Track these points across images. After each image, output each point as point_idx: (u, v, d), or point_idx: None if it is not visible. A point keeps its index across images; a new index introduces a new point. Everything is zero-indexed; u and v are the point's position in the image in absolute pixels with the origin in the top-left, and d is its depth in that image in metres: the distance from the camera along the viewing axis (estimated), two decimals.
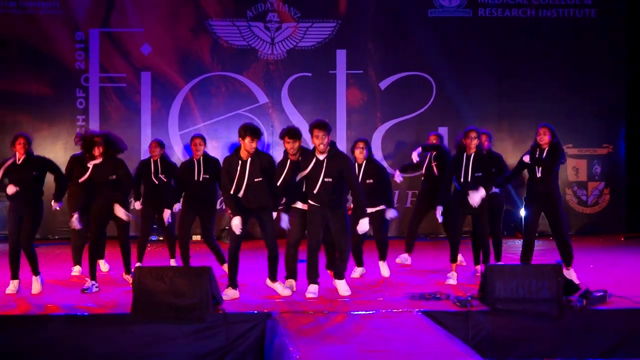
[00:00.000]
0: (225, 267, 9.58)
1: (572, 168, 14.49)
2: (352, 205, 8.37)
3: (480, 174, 8.89)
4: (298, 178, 8.12)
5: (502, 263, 9.17)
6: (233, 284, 8.13)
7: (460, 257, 9.66)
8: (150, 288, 7.30)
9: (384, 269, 9.51)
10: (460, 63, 14.43)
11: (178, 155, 14.02)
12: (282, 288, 8.24)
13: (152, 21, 14.14)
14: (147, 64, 14.08)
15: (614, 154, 14.59)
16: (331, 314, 7.37)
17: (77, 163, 9.73)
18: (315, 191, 8.03)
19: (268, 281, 8.31)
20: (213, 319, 7.30)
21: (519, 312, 7.41)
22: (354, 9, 14.32)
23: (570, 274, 8.76)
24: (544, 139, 8.94)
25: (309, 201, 8.12)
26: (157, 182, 9.96)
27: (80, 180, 8.80)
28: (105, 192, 8.62)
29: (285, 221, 8.29)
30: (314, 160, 8.04)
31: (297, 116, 14.14)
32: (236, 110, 14.18)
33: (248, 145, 7.95)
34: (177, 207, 9.75)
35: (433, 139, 10.50)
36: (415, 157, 10.35)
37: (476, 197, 8.77)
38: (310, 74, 14.28)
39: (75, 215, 8.66)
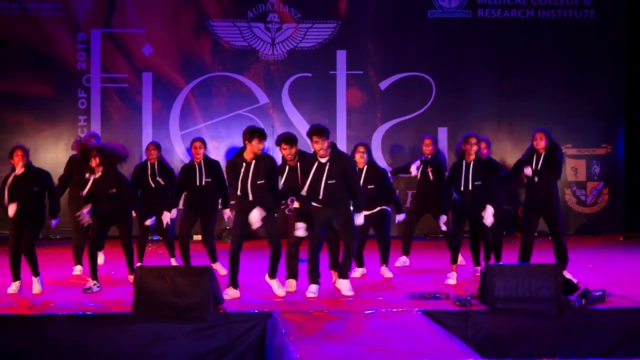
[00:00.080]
0: (217, 265, 9.63)
1: (571, 168, 14.51)
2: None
3: (480, 182, 8.91)
4: (305, 186, 8.10)
5: (502, 262, 9.19)
6: (234, 283, 8.16)
7: (460, 257, 9.70)
8: (151, 287, 7.33)
9: (386, 273, 9.51)
10: (460, 63, 14.44)
11: (179, 156, 14.06)
12: (277, 286, 8.27)
13: (153, 22, 14.15)
14: (148, 65, 14.09)
15: (613, 154, 14.61)
16: (331, 313, 7.39)
17: (76, 164, 9.76)
18: (319, 193, 8.06)
19: (267, 277, 8.34)
20: (214, 318, 7.32)
21: (519, 312, 7.44)
22: (354, 9, 14.33)
23: (566, 275, 8.79)
24: (540, 144, 8.95)
25: (312, 203, 8.15)
26: (154, 185, 9.99)
27: (82, 194, 8.86)
28: (106, 204, 8.65)
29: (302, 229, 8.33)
30: (316, 163, 8.08)
31: (297, 116, 14.17)
32: (237, 110, 14.20)
33: (256, 147, 7.98)
34: (175, 212, 9.69)
35: (427, 142, 10.49)
36: (414, 170, 10.37)
37: (489, 218, 8.81)
38: (310, 75, 14.29)
39: (86, 210, 8.65)
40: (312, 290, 8.16)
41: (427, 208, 10.37)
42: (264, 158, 8.04)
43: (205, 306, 7.27)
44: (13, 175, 8.50)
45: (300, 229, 8.19)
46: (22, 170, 8.50)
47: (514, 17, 14.46)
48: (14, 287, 8.47)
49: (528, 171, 8.93)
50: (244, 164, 8.01)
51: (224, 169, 9.58)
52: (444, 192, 9.34)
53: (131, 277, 8.89)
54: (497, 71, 14.55)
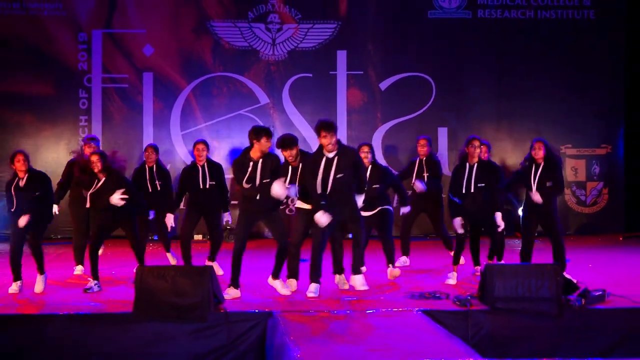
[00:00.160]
0: (213, 264, 9.61)
1: (571, 168, 14.52)
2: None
3: (483, 184, 8.94)
4: (318, 182, 8.09)
5: (502, 262, 9.21)
6: (235, 283, 8.17)
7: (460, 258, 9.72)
8: (152, 287, 7.33)
9: (394, 272, 9.41)
10: (460, 64, 14.46)
11: (180, 157, 14.08)
12: (281, 286, 8.28)
13: (154, 22, 14.17)
14: (149, 65, 14.11)
15: (613, 154, 14.62)
16: (332, 313, 7.40)
17: (75, 167, 9.77)
18: (326, 188, 8.06)
19: (270, 279, 8.36)
20: (214, 318, 7.33)
21: (519, 311, 7.45)
22: (354, 10, 14.35)
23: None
24: (539, 153, 8.94)
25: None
26: (151, 189, 10.01)
27: (87, 206, 8.91)
28: (109, 208, 8.66)
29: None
30: (324, 159, 8.08)
31: (297, 116, 14.18)
32: (237, 110, 14.21)
33: (264, 145, 8.01)
34: (171, 218, 9.66)
35: (423, 143, 10.51)
36: (419, 186, 10.32)
37: (501, 222, 8.87)
38: (311, 75, 14.31)
39: (118, 194, 8.61)
40: (313, 289, 8.17)
41: (423, 208, 10.41)
42: (270, 157, 8.07)
43: (206, 306, 7.28)
44: (17, 180, 8.53)
45: (324, 217, 8.07)
46: (25, 176, 8.52)
47: (514, 17, 14.47)
48: (14, 287, 8.48)
49: (537, 198, 8.86)
50: (252, 163, 8.03)
51: (225, 171, 9.68)
52: (451, 194, 9.31)
53: None
54: (497, 71, 14.56)
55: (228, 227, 12.48)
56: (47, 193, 8.66)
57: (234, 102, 14.22)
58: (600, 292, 7.78)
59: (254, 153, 8.03)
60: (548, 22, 14.49)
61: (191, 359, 7.30)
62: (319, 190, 8.07)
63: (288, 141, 8.36)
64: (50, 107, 13.99)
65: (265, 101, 14.26)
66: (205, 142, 9.69)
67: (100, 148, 10.18)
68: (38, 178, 8.61)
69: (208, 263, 9.55)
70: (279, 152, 8.44)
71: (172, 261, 10.42)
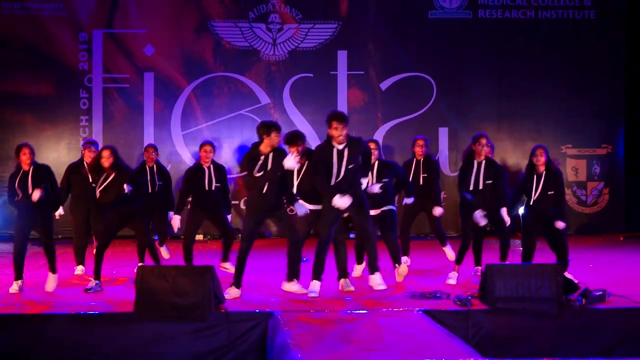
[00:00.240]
0: (226, 264, 9.59)
1: (572, 168, 14.53)
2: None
3: (490, 181, 8.95)
4: (333, 175, 8.07)
5: (502, 262, 9.21)
6: (237, 283, 8.18)
7: (450, 251, 9.74)
8: (153, 287, 7.34)
9: (402, 271, 9.19)
10: (461, 64, 14.47)
11: (181, 156, 14.09)
12: (299, 288, 8.25)
13: (155, 22, 14.17)
14: (150, 65, 14.11)
15: (613, 154, 14.63)
16: (333, 313, 7.41)
17: (74, 172, 9.79)
18: (337, 181, 8.06)
19: (286, 285, 8.32)
20: (215, 318, 7.34)
21: (519, 311, 7.46)
22: (355, 10, 14.35)
23: (567, 275, 8.83)
24: (541, 160, 8.92)
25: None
26: (151, 189, 10.01)
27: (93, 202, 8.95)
28: (118, 206, 8.67)
29: (300, 208, 8.33)
30: (334, 151, 8.08)
31: (298, 116, 14.19)
32: (238, 110, 14.22)
33: (274, 139, 8.05)
34: (178, 220, 9.64)
35: (421, 143, 10.50)
36: (438, 212, 10.35)
37: (507, 218, 8.89)
38: (311, 75, 14.32)
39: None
40: (314, 288, 8.17)
41: (422, 207, 10.42)
42: (279, 151, 8.09)
43: (206, 306, 7.29)
44: (22, 172, 8.55)
45: (344, 198, 7.95)
46: (30, 168, 8.55)
47: (515, 17, 14.48)
48: (15, 287, 8.49)
49: (561, 225, 8.87)
50: (262, 157, 8.04)
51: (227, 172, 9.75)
52: (461, 191, 9.29)
53: None
54: (498, 71, 14.57)
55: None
56: (54, 184, 8.70)
57: (235, 102, 14.23)
58: (601, 292, 7.79)
59: (264, 147, 8.06)
60: (548, 22, 14.50)
61: (191, 359, 7.30)
62: (332, 183, 8.05)
63: (295, 137, 8.38)
64: (50, 107, 14.00)
65: (266, 101, 14.27)
66: (212, 144, 9.67)
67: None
68: (43, 170, 8.66)
69: (222, 264, 9.50)
70: (285, 149, 8.44)
71: (165, 255, 10.44)
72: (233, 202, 13.15)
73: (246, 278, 8.51)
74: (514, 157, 14.34)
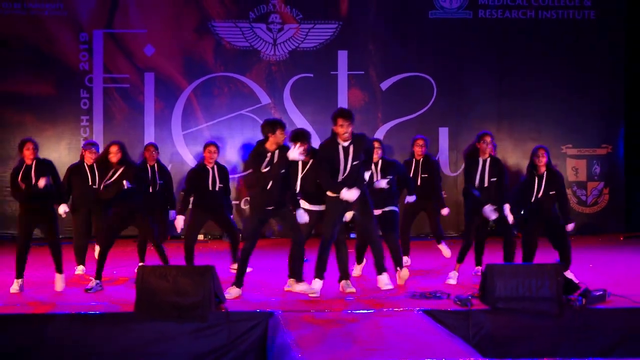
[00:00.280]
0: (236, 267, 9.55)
1: (572, 168, 14.54)
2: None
3: (495, 179, 8.97)
4: (340, 172, 8.07)
5: (503, 262, 9.21)
6: (239, 282, 8.18)
7: (447, 249, 9.75)
8: (153, 287, 7.35)
9: (404, 275, 9.13)
10: (461, 64, 14.48)
11: (181, 157, 14.10)
12: (307, 287, 8.23)
13: (155, 22, 14.18)
14: (151, 65, 14.12)
15: (613, 154, 14.64)
16: (333, 313, 7.42)
17: (74, 173, 9.80)
18: (342, 178, 8.04)
19: (295, 286, 8.29)
20: (215, 317, 7.34)
21: (519, 311, 7.47)
22: (355, 10, 14.36)
23: (569, 275, 8.84)
24: (542, 160, 8.95)
25: (328, 193, 8.14)
26: (152, 188, 10.01)
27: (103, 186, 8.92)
28: (124, 203, 8.66)
29: (301, 216, 8.34)
30: (340, 148, 8.08)
31: (299, 116, 14.20)
32: (239, 110, 14.23)
33: (279, 137, 8.06)
34: (182, 220, 9.63)
35: (421, 142, 10.51)
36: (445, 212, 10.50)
37: (510, 216, 8.89)
38: (312, 75, 14.33)
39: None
40: (316, 287, 8.17)
41: (422, 207, 10.43)
42: (285, 149, 8.10)
43: (207, 305, 7.29)
44: (24, 166, 8.57)
45: (352, 191, 8.03)
46: (32, 163, 8.57)
47: (515, 17, 14.49)
48: (16, 286, 8.49)
49: (571, 227, 9.05)
50: (269, 154, 8.05)
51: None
52: (469, 189, 9.29)
53: None
54: (498, 71, 14.58)
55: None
56: (56, 178, 8.73)
57: (235, 102, 14.24)
58: (601, 292, 7.79)
59: (270, 145, 8.07)
60: (549, 22, 14.51)
61: (192, 359, 7.31)
62: (339, 180, 8.05)
63: (301, 134, 8.39)
64: (51, 107, 14.00)
65: (267, 101, 14.27)
66: (216, 145, 9.71)
67: (100, 151, 10.19)
68: (45, 164, 8.67)
69: (233, 266, 9.46)
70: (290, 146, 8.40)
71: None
72: (234, 202, 13.17)
73: (247, 278, 8.52)
74: (514, 157, 14.34)
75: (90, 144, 10.07)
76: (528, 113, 14.45)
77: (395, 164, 9.56)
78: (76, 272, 9.76)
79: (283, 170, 8.05)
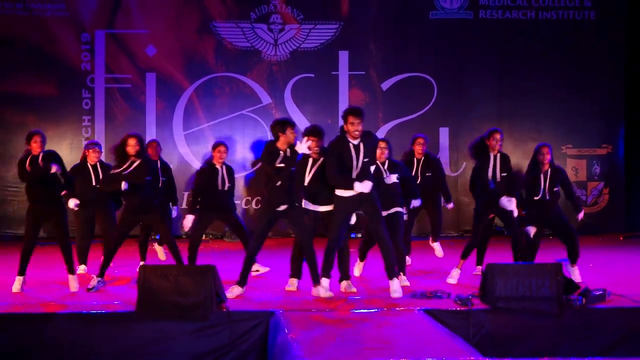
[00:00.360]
0: (256, 265, 9.48)
1: (572, 168, 14.55)
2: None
3: (505, 174, 9.01)
4: (354, 169, 8.05)
5: (503, 262, 9.22)
6: (242, 281, 8.19)
7: (439, 247, 9.78)
8: (155, 286, 7.36)
9: (405, 281, 9.04)
10: (461, 64, 14.49)
11: (182, 156, 14.11)
12: (324, 290, 8.17)
13: (157, 23, 14.19)
14: (152, 65, 14.14)
15: (613, 154, 14.65)
16: (334, 312, 7.43)
17: (77, 173, 9.81)
18: (354, 175, 8.03)
19: (314, 289, 8.23)
20: (216, 317, 7.34)
21: (519, 311, 7.48)
22: (356, 10, 14.38)
23: (574, 271, 8.89)
24: (547, 157, 9.00)
25: (337, 193, 8.14)
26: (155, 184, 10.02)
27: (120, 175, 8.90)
28: (139, 197, 8.66)
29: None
30: (351, 146, 8.07)
31: (300, 116, 14.20)
32: (240, 110, 14.24)
33: (290, 136, 8.10)
34: (176, 210, 9.62)
35: (421, 141, 10.52)
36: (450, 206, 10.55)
37: (514, 209, 8.93)
38: (313, 75, 14.34)
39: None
40: (326, 285, 8.14)
41: (423, 206, 10.44)
42: (294, 148, 8.12)
43: (208, 305, 7.30)
44: (31, 155, 8.60)
45: (364, 183, 8.02)
46: (39, 153, 8.60)
47: (515, 18, 14.51)
48: (17, 285, 8.49)
49: (581, 215, 9.29)
50: (281, 153, 8.08)
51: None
52: (475, 186, 9.31)
53: None
54: (498, 72, 14.60)
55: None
56: (64, 168, 8.76)
57: (237, 102, 14.26)
58: (601, 292, 7.81)
59: (281, 145, 8.10)
60: (549, 22, 14.53)
61: (193, 358, 7.32)
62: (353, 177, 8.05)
63: (316, 130, 8.43)
64: (53, 108, 14.02)
65: (268, 101, 14.29)
66: (225, 145, 9.65)
67: (103, 151, 10.24)
68: (52, 154, 8.71)
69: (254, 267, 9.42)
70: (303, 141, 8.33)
71: (162, 256, 10.48)
72: (235, 201, 13.18)
73: (248, 277, 8.54)
74: (514, 157, 14.17)
75: (93, 144, 10.09)
76: (528, 113, 14.47)
77: (400, 165, 9.56)
78: (78, 272, 9.75)
79: (292, 168, 8.08)
